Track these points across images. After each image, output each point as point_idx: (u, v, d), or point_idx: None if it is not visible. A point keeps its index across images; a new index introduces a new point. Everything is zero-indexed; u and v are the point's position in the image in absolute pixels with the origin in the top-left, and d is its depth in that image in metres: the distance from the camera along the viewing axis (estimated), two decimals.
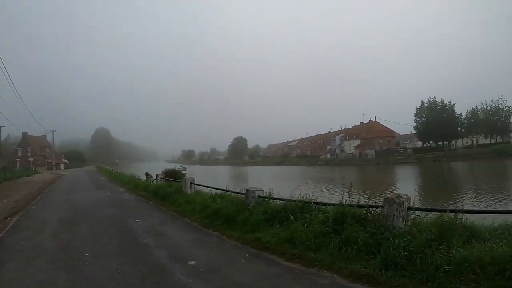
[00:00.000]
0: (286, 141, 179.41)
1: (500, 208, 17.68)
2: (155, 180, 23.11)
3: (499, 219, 7.46)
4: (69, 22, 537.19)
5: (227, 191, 13.43)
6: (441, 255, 5.34)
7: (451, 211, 6.46)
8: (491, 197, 23.44)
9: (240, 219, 9.63)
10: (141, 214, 13.24)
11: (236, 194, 12.45)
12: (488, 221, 7.27)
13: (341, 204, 7.78)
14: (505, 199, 22.96)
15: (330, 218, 7.55)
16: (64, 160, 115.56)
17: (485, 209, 16.61)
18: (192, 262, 6.90)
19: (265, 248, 7.65)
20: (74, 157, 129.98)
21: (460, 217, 6.29)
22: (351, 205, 7.66)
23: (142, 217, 12.65)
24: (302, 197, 9.26)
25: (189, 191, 15.46)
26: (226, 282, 5.88)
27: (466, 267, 4.91)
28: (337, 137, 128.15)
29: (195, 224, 11.02)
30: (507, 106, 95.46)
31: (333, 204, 8.21)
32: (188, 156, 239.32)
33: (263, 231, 8.44)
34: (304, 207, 8.71)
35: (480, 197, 23.72)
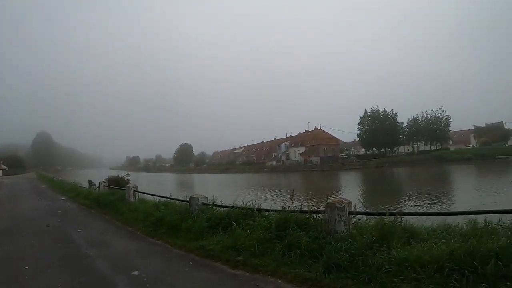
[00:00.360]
0: (232, 148, 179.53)
1: (438, 210, 18.38)
2: (97, 188, 22.27)
3: (437, 220, 7.73)
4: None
5: (171, 198, 13.21)
6: (382, 256, 5.44)
7: (391, 214, 6.68)
8: (431, 200, 24.75)
9: (184, 227, 9.47)
10: (83, 224, 12.68)
11: (180, 201, 12.29)
12: (428, 223, 7.51)
13: (284, 210, 7.86)
14: (443, 201, 24.32)
15: (273, 224, 7.55)
16: (3, 167, 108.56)
17: (424, 211, 17.38)
18: (136, 272, 6.67)
19: (209, 256, 7.56)
20: (13, 164, 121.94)
21: (400, 220, 6.51)
22: (294, 211, 7.74)
23: (84, 226, 12.11)
24: (246, 204, 9.28)
25: (132, 199, 15.04)
26: None
27: (407, 266, 5.05)
28: (283, 145, 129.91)
29: (139, 233, 10.73)
30: (446, 115, 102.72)
31: (276, 210, 8.24)
32: (133, 163, 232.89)
33: (207, 239, 8.37)
34: (247, 214, 8.69)
35: (420, 200, 24.90)
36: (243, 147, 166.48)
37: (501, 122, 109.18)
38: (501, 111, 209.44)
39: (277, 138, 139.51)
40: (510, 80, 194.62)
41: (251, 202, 9.36)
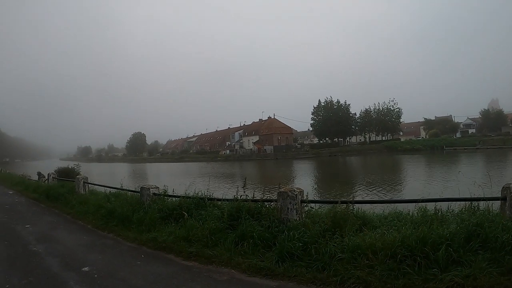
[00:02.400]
0: (185, 137, 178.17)
1: (389, 198, 18.96)
2: (47, 181, 21.33)
3: (389, 208, 7.92)
4: None
5: (122, 189, 12.89)
6: (335, 244, 5.57)
7: (343, 202, 6.83)
8: (382, 188, 25.69)
9: (135, 219, 9.25)
10: (31, 219, 12.07)
11: (131, 192, 11.95)
12: (379, 210, 7.71)
13: (236, 199, 7.92)
14: (394, 189, 25.47)
15: (225, 214, 7.56)
16: None
17: (375, 199, 17.85)
18: (86, 269, 6.49)
19: (161, 248, 7.49)
20: None
21: (352, 208, 6.74)
22: (246, 200, 7.78)
23: (32, 222, 11.54)
24: (198, 193, 9.24)
25: (82, 191, 14.57)
26: (121, 287, 5.64)
27: (360, 254, 5.17)
28: (236, 133, 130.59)
29: (89, 226, 10.43)
30: (398, 108, 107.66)
31: (228, 200, 8.30)
32: (85, 153, 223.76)
33: (159, 230, 8.26)
34: (199, 204, 8.67)
35: (372, 188, 25.69)
36: (197, 136, 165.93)
37: (450, 115, 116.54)
38: (450, 105, 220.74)
39: (231, 127, 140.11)
40: (457, 77, 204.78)
41: (203, 192, 9.32)
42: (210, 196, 9.12)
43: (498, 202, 6.08)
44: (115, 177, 44.44)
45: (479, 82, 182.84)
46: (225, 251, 6.51)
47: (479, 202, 6.31)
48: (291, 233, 6.05)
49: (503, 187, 6.01)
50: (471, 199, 6.40)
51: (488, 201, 6.21)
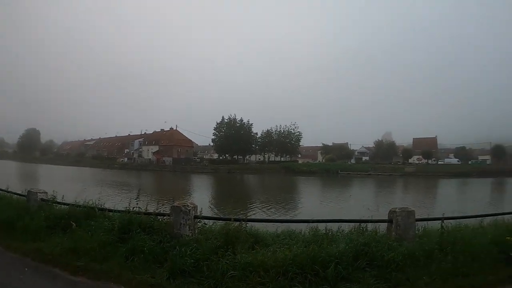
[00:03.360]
0: (83, 139, 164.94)
1: (283, 218, 19.50)
2: None
3: (282, 227, 8.17)
4: None
5: (7, 191, 11.74)
6: (227, 261, 5.58)
7: (236, 219, 6.96)
8: (277, 207, 26.47)
9: (19, 226, 8.42)
10: None
11: (17, 195, 11.04)
12: (273, 229, 7.91)
13: (128, 211, 7.68)
14: (288, 209, 26.30)
15: (116, 226, 7.24)
16: None
17: (269, 218, 18.33)
18: None
19: (47, 260, 6.82)
20: None
21: (245, 225, 6.84)
22: (139, 213, 7.60)
23: None
24: (88, 202, 8.83)
25: None
26: None
27: (251, 271, 5.25)
28: (136, 141, 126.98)
29: None
30: (298, 131, 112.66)
31: (120, 211, 8.00)
32: None
33: (45, 240, 7.65)
34: (89, 213, 8.26)
35: (267, 207, 26.33)
36: (95, 139, 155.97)
37: (346, 143, 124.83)
38: (348, 133, 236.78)
39: (131, 134, 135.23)
40: (355, 110, 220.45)
41: (94, 201, 8.92)
42: (101, 206, 8.77)
43: (385, 224, 6.56)
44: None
45: (376, 116, 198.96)
46: (115, 266, 6.21)
47: (367, 223, 6.76)
48: (183, 249, 5.99)
49: (389, 211, 6.55)
50: (360, 221, 6.88)
51: (375, 223, 6.68)
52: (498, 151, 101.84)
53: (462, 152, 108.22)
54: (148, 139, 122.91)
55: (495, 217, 9.20)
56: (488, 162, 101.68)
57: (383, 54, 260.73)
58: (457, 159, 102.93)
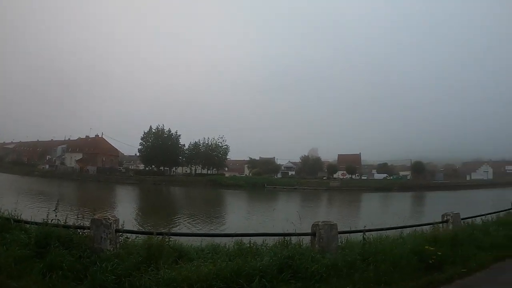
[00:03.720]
0: (3, 142, 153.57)
1: (207, 232, 19.49)
2: None
3: (206, 241, 8.19)
4: None
5: None
6: (150, 277, 5.46)
7: (158, 233, 6.85)
8: (202, 220, 26.59)
9: None
10: None
11: None
12: (197, 243, 7.85)
13: (46, 223, 7.22)
14: (213, 222, 26.52)
15: (32, 239, 6.78)
16: None
17: (192, 232, 18.16)
18: None
19: None
20: None
21: (168, 239, 6.73)
22: (57, 225, 7.17)
23: None
24: (4, 213, 8.14)
25: None
26: None
27: (175, 286, 5.17)
28: (59, 147, 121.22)
29: None
30: (226, 145, 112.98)
31: (37, 223, 7.48)
32: None
33: None
34: (4, 225, 7.57)
35: (192, 220, 26.31)
36: (16, 142, 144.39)
37: (273, 157, 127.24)
38: (274, 148, 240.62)
39: (54, 139, 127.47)
40: (283, 125, 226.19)
41: (9, 211, 8.22)
42: (17, 217, 8.12)
43: (309, 237, 6.79)
44: None
45: (303, 132, 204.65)
46: (31, 283, 5.73)
47: (291, 237, 6.94)
48: (104, 265, 5.74)
49: (313, 224, 6.80)
50: (284, 234, 7.04)
51: (299, 236, 6.89)
52: (417, 167, 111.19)
53: (384, 168, 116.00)
54: (72, 145, 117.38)
55: (414, 228, 9.91)
56: (408, 177, 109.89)
57: (309, 75, 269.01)
58: (386, 174, 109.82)
